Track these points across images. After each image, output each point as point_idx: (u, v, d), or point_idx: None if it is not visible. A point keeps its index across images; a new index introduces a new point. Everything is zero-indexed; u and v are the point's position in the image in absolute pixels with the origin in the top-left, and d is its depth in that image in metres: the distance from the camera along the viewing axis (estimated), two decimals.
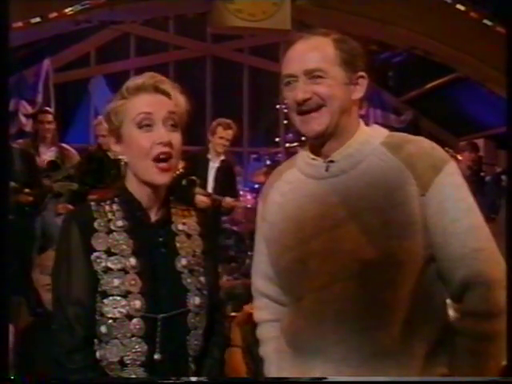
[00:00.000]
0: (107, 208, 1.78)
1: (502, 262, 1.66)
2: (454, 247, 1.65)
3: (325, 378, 1.66)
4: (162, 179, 1.74)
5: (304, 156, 1.80)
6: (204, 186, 5.59)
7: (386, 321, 1.64)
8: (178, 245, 1.81)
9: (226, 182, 5.80)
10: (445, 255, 1.66)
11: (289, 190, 1.80)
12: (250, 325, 1.99)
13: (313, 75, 1.69)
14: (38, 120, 6.26)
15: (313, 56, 1.70)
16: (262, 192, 1.92)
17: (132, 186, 1.79)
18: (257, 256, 1.91)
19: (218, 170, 5.70)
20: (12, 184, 5.33)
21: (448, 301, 1.74)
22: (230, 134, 5.62)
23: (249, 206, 7.48)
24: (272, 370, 1.84)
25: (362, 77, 1.72)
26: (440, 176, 1.66)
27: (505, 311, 1.63)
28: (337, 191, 1.70)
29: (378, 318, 1.64)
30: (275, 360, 1.83)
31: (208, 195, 5.54)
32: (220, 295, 1.95)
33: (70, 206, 5.60)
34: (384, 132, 1.78)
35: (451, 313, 1.73)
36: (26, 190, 5.42)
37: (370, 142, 1.73)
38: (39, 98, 7.83)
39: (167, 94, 1.76)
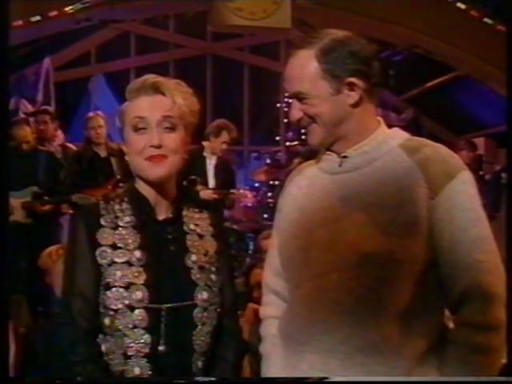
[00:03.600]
0: (117, 206, 1.83)
1: (505, 277, 1.65)
2: (458, 255, 1.64)
3: (326, 378, 1.66)
4: (155, 173, 1.76)
5: (322, 152, 1.83)
6: (205, 183, 5.65)
7: (377, 317, 1.64)
8: (188, 243, 1.84)
9: (226, 178, 5.88)
10: (448, 262, 1.65)
11: (306, 184, 1.83)
12: (255, 324, 1.97)
13: (298, 97, 1.73)
14: (38, 120, 6.27)
15: (293, 79, 1.73)
16: (283, 188, 1.94)
17: (139, 184, 1.83)
18: (270, 249, 1.93)
19: (216, 166, 5.81)
20: (34, 188, 5.36)
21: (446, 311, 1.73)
22: (226, 137, 5.78)
23: (249, 204, 7.48)
24: (265, 365, 1.84)
25: (351, 83, 1.70)
26: (452, 183, 1.66)
27: (502, 326, 1.62)
28: (347, 185, 1.72)
29: (369, 313, 1.64)
30: (269, 355, 1.83)
31: (213, 190, 5.61)
32: (234, 297, 1.93)
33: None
34: (404, 135, 1.78)
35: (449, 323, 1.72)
36: (44, 199, 5.43)
37: (387, 142, 1.74)
38: (39, 97, 7.83)
39: (165, 95, 1.78)
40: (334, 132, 1.73)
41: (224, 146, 5.78)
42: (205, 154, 5.81)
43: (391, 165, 1.70)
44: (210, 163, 5.81)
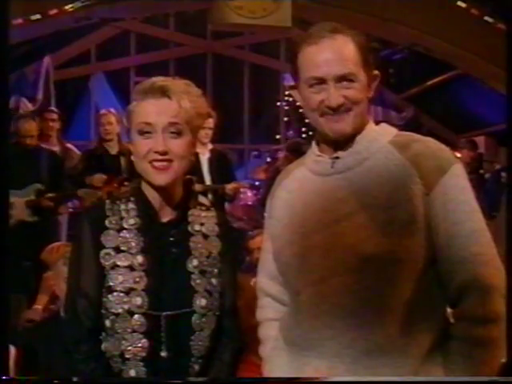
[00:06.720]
0: (122, 206, 1.84)
1: (502, 269, 1.64)
2: (454, 250, 1.64)
3: (325, 378, 1.65)
4: (160, 179, 1.77)
5: (311, 153, 1.81)
6: (201, 180, 5.50)
7: (382, 318, 1.64)
8: (191, 245, 1.84)
9: (222, 171, 5.63)
10: (445, 257, 1.65)
11: (296, 187, 1.80)
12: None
13: (345, 80, 1.68)
14: (42, 118, 6.26)
15: (343, 60, 1.67)
16: (271, 190, 1.92)
17: (144, 185, 1.84)
18: (263, 254, 1.91)
19: (210, 160, 5.55)
20: (38, 186, 5.34)
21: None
22: (210, 122, 5.42)
23: (249, 202, 7.48)
24: (267, 369, 1.83)
25: (376, 75, 1.74)
26: (445, 177, 1.65)
27: (502, 318, 1.61)
28: (341, 187, 1.70)
29: (374, 315, 1.64)
30: (272, 358, 1.83)
31: (208, 189, 5.46)
32: (235, 298, 1.93)
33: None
34: (393, 131, 1.77)
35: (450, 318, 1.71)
36: (49, 195, 5.39)
37: (377, 140, 1.73)
38: (39, 96, 7.81)
39: (171, 99, 1.76)
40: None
41: (205, 131, 5.39)
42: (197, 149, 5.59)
43: (383, 163, 1.69)
44: (204, 158, 5.53)
